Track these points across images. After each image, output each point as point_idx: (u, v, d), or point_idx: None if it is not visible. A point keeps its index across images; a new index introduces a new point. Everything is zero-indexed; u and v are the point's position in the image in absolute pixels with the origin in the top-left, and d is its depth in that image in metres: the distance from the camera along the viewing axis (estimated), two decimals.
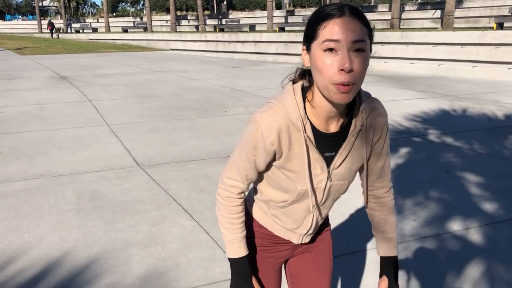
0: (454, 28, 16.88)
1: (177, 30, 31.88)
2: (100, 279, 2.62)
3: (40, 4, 54.65)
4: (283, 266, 1.54)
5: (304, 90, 1.21)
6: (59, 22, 50.19)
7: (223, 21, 33.13)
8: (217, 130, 6.19)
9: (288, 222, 1.36)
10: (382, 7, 26.95)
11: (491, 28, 15.64)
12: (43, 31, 45.59)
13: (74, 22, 49.58)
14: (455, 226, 3.27)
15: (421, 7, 25.35)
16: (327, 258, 1.50)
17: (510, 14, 17.92)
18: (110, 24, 40.29)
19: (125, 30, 34.08)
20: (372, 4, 28.99)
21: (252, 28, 26.22)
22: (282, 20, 30.47)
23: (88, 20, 54.17)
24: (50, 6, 70.51)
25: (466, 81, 10.61)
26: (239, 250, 1.34)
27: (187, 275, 2.65)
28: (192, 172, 4.47)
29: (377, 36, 15.12)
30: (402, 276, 2.64)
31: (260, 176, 1.32)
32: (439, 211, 3.52)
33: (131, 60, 18.01)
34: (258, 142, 1.20)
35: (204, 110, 7.57)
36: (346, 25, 1.05)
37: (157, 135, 5.94)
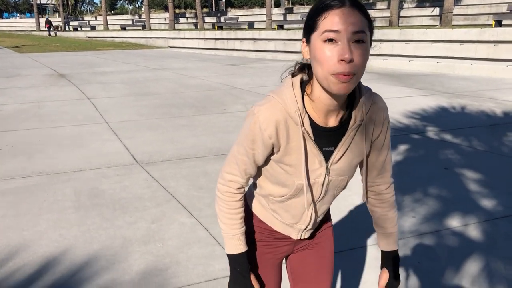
0: (453, 25, 16.89)
1: (176, 28, 31.85)
2: (99, 276, 2.62)
3: (38, 1, 54.54)
4: (284, 262, 1.53)
5: (304, 84, 1.20)
6: (57, 20, 50.10)
7: (222, 19, 33.10)
8: (216, 127, 6.19)
9: (287, 217, 1.35)
10: (381, 5, 26.94)
11: (490, 25, 15.65)
12: (41, 29, 45.50)
13: (72, 20, 49.45)
14: (454, 222, 3.27)
15: (420, 4, 25.35)
16: (329, 255, 1.49)
17: (508, 11, 17.93)
18: (109, 22, 40.22)
19: (123, 28, 34.03)
20: (371, 1, 28.98)
21: (250, 25, 26.20)
22: (281, 18, 30.45)
23: (86, 18, 54.06)
24: (48, 4, 70.34)
25: (464, 79, 10.62)
26: (238, 246, 1.33)
27: (186, 272, 2.66)
28: (191, 170, 4.47)
29: (376, 34, 15.05)
30: (401, 272, 2.65)
31: (259, 171, 1.32)
32: (438, 207, 3.53)
33: (129, 58, 17.98)
34: (256, 135, 1.19)
35: (203, 108, 7.56)
36: (346, 16, 1.05)
37: (156, 133, 5.93)
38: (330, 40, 1.05)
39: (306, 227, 1.38)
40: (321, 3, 1.09)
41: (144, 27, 33.70)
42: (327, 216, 1.49)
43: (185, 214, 3.46)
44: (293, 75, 1.23)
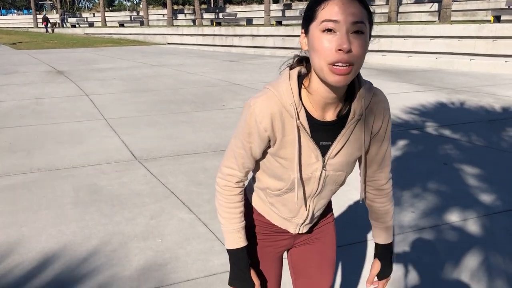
0: (452, 21, 16.87)
1: (174, 24, 31.77)
2: (99, 271, 2.62)
3: None
4: (286, 256, 1.53)
5: (302, 77, 1.19)
6: (54, 17, 49.91)
7: (220, 15, 33.01)
8: (215, 123, 6.18)
9: (284, 211, 1.34)
10: (379, 0, 26.89)
11: (488, 21, 15.63)
12: (38, 26, 45.35)
13: (70, 17, 49.30)
14: (453, 217, 3.28)
15: (419, 0, 25.31)
16: (330, 250, 1.48)
17: (507, 7, 17.90)
18: (107, 19, 40.09)
19: (121, 25, 33.93)
20: None
21: (249, 22, 26.12)
22: (279, 14, 30.38)
23: (84, 15, 53.89)
24: (46, 0, 70.11)
25: (463, 74, 10.61)
26: (238, 241, 1.32)
27: (186, 267, 2.66)
28: (190, 166, 4.47)
29: (375, 30, 15.02)
30: (400, 266, 2.65)
31: (257, 164, 1.31)
32: (437, 202, 3.53)
33: (128, 55, 17.94)
34: (252, 128, 1.19)
35: (201, 104, 7.55)
36: (345, 6, 1.03)
37: (154, 129, 5.92)
38: (329, 30, 1.04)
39: (304, 222, 1.37)
40: None
41: (142, 24, 33.60)
42: (327, 211, 1.48)
43: (184, 210, 3.45)
44: (291, 67, 1.21)
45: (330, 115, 1.19)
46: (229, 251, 1.34)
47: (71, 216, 3.36)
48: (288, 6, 33.00)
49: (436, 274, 2.57)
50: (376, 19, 21.91)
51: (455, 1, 21.06)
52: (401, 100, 7.49)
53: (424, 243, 2.92)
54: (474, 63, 11.34)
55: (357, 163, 1.33)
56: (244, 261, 1.33)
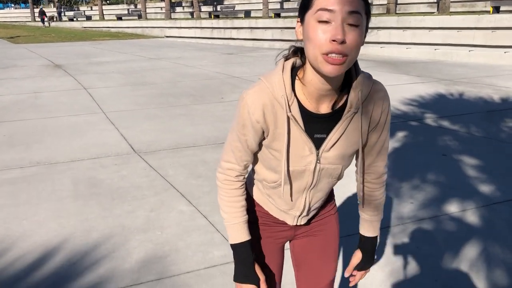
0: (450, 12, 16.80)
1: (172, 17, 31.63)
2: (99, 264, 2.63)
3: None
4: (289, 247, 1.52)
5: (297, 68, 1.17)
6: (52, 11, 49.65)
7: (218, 8, 32.86)
8: (214, 116, 6.17)
9: (281, 203, 1.34)
10: None
11: (488, 12, 15.57)
12: (36, 20, 45.13)
13: (67, 10, 49.05)
14: (452, 208, 3.28)
15: None
16: (333, 243, 1.47)
17: None
18: (104, 12, 39.92)
19: (119, 18, 33.79)
20: None
21: (247, 14, 26.03)
22: (278, 6, 30.23)
23: (81, 8, 53.59)
24: None
25: (462, 65, 10.59)
26: (241, 235, 1.31)
27: (186, 259, 2.66)
28: (190, 158, 4.47)
29: (373, 21, 15.03)
30: (400, 257, 2.66)
31: (255, 156, 1.30)
32: (436, 193, 3.54)
33: (126, 48, 17.88)
34: (246, 120, 1.18)
35: (200, 97, 7.54)
36: None
37: (153, 122, 5.92)
38: (324, 20, 1.01)
39: (301, 214, 1.36)
40: None
41: (140, 17, 33.47)
42: (329, 203, 1.46)
43: (184, 202, 3.46)
44: (287, 58, 1.20)
45: (325, 108, 1.17)
46: (233, 246, 1.32)
47: (71, 209, 3.36)
48: None
49: (436, 264, 2.58)
50: (375, 10, 21.83)
51: None
52: (400, 91, 7.48)
53: (423, 233, 2.93)
54: (473, 54, 11.31)
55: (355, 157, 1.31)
56: (249, 256, 1.32)
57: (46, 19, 39.74)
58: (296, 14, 1.17)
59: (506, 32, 11.11)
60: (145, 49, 17.15)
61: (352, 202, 3.37)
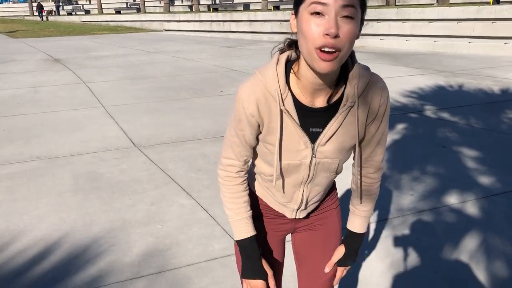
0: (450, 3, 16.73)
1: (171, 11, 31.49)
2: (100, 258, 2.63)
3: None
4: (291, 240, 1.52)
5: (292, 62, 1.16)
6: (50, 5, 49.40)
7: (217, 0, 32.71)
8: (214, 110, 6.16)
9: (279, 196, 1.33)
10: None
11: (488, 3, 15.51)
12: (34, 14, 44.95)
13: (66, 4, 48.82)
14: (452, 199, 3.29)
15: None
16: (334, 237, 1.47)
17: None
18: (103, 6, 39.72)
19: (118, 12, 33.66)
20: None
21: (246, 7, 25.88)
22: None
23: (80, 2, 53.32)
24: None
25: (462, 57, 10.57)
26: (246, 230, 1.30)
27: (186, 252, 2.67)
28: (189, 152, 4.47)
29: (373, 13, 14.98)
30: (400, 249, 2.67)
31: (254, 150, 1.30)
32: (436, 185, 3.54)
33: (124, 42, 17.82)
34: (241, 114, 1.17)
35: (200, 90, 7.52)
36: None
37: (153, 116, 5.91)
38: (317, 13, 1.00)
39: (299, 207, 1.35)
40: None
41: (138, 10, 33.31)
42: (330, 197, 1.45)
43: (184, 195, 3.46)
44: (282, 51, 1.19)
45: (320, 101, 1.16)
46: (239, 242, 1.31)
47: (71, 203, 3.37)
48: None
49: (435, 255, 2.59)
50: (374, 2, 21.75)
51: None
52: (400, 83, 7.47)
53: (423, 225, 2.94)
54: (473, 46, 11.28)
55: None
56: (255, 251, 1.31)
57: (44, 13, 39.57)
58: None
59: (506, 23, 11.07)
60: (144, 43, 17.10)
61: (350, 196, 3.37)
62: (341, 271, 1.44)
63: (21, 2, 65.74)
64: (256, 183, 1.39)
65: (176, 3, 37.71)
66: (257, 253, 1.32)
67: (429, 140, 4.68)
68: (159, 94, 7.33)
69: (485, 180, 3.61)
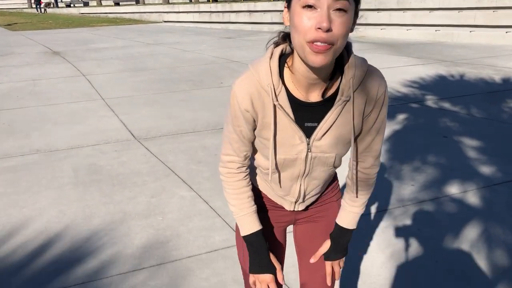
0: None
1: (170, 2, 31.31)
2: (101, 250, 2.63)
3: None
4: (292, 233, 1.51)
5: (286, 55, 1.14)
6: None
7: None
8: (213, 101, 6.14)
9: (277, 189, 1.33)
10: None
11: None
12: (32, 6, 44.73)
13: None
14: (453, 189, 3.28)
15: None
16: None
17: None
18: None
19: (117, 3, 33.49)
20: None
21: None
22: None
23: None
24: None
25: (463, 46, 10.51)
26: (252, 225, 1.29)
27: (187, 244, 2.67)
28: (190, 144, 4.46)
29: (373, 3, 14.90)
30: (401, 239, 2.67)
31: (253, 144, 1.29)
32: (437, 175, 3.53)
33: (124, 34, 17.74)
34: (236, 110, 1.16)
35: (199, 82, 7.50)
36: None
37: (153, 108, 5.89)
38: (309, 6, 0.97)
39: (297, 200, 1.35)
40: None
41: (138, 2, 33.14)
42: (330, 190, 1.44)
43: (185, 187, 3.46)
44: (277, 44, 1.17)
45: (315, 96, 1.14)
46: (245, 238, 1.31)
47: (72, 196, 3.36)
48: None
49: (436, 246, 2.59)
50: None
51: None
52: (401, 73, 7.43)
53: (424, 215, 2.93)
54: (474, 35, 11.21)
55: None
56: (262, 245, 1.30)
57: (42, 5, 39.39)
58: None
59: (507, 11, 10.99)
60: (143, 35, 17.02)
61: None
62: (329, 266, 1.40)
63: None
64: (256, 176, 1.38)
65: None
66: (265, 248, 1.31)
67: (430, 130, 4.66)
68: (158, 86, 7.30)
69: (486, 169, 3.60)
